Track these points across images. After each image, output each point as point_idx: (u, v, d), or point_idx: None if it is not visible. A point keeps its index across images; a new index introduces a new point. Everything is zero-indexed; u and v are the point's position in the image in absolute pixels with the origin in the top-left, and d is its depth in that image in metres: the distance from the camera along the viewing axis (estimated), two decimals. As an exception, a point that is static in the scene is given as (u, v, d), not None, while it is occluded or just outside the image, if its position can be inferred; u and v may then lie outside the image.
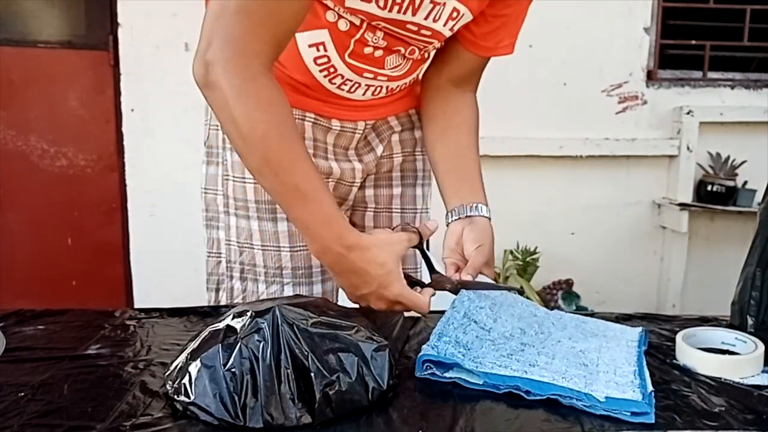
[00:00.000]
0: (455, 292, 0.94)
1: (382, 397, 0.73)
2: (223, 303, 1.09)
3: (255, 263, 1.06)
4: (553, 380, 0.75)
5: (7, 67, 2.70)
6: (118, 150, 2.80)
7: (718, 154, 2.92)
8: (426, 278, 0.97)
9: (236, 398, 0.67)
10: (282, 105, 0.83)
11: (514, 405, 0.73)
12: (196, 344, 0.73)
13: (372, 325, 0.80)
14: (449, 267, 1.02)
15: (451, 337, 0.82)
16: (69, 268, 2.86)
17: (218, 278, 1.10)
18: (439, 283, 0.95)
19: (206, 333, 0.74)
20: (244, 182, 1.04)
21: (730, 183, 2.89)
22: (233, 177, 1.05)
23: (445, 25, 0.96)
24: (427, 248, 0.99)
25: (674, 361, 0.85)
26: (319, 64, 0.97)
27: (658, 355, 0.87)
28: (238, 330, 0.71)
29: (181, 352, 0.74)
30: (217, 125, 1.07)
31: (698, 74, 3.02)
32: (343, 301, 0.96)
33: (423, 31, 0.96)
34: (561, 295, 2.87)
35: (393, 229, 0.95)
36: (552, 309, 1.00)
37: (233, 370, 0.68)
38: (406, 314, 0.99)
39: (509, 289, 0.98)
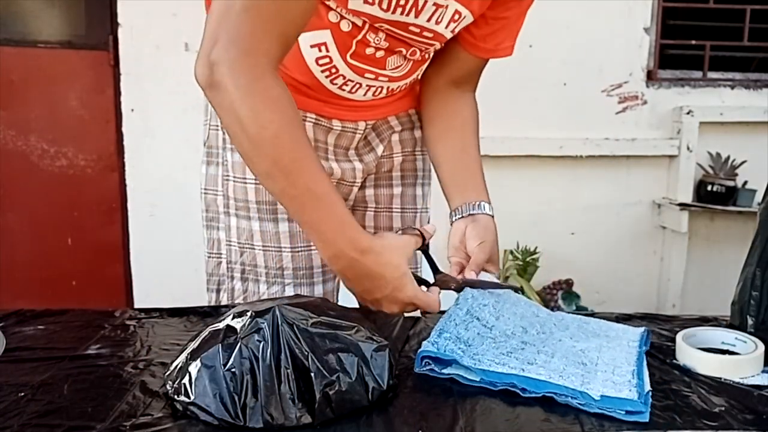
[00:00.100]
0: (459, 291, 0.94)
1: (382, 397, 0.73)
2: (223, 304, 1.09)
3: (256, 264, 1.06)
4: (550, 378, 0.75)
5: (7, 67, 2.70)
6: (118, 150, 2.80)
7: (718, 154, 2.92)
8: (428, 278, 0.97)
9: (236, 398, 0.67)
10: (290, 105, 0.81)
11: (514, 405, 0.73)
12: (196, 344, 0.73)
13: (372, 325, 0.80)
14: (454, 265, 1.03)
15: (452, 333, 0.83)
16: (69, 268, 2.86)
17: (219, 279, 1.10)
18: (443, 282, 0.95)
19: (206, 333, 0.74)
20: (245, 183, 1.04)
21: (730, 183, 2.89)
22: (234, 177, 1.05)
23: (446, 27, 0.96)
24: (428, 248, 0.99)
25: (674, 361, 0.85)
26: (321, 65, 0.97)
27: (658, 355, 0.87)
28: (238, 330, 0.71)
29: (181, 352, 0.74)
30: (217, 125, 1.07)
31: (698, 74, 3.02)
32: (344, 301, 0.96)
33: (425, 33, 0.96)
34: (561, 295, 2.87)
35: (396, 233, 0.95)
36: (552, 309, 1.00)
37: (233, 370, 0.68)
38: (406, 314, 0.99)
39: (512, 288, 0.98)
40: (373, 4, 0.88)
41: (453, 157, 1.11)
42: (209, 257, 1.11)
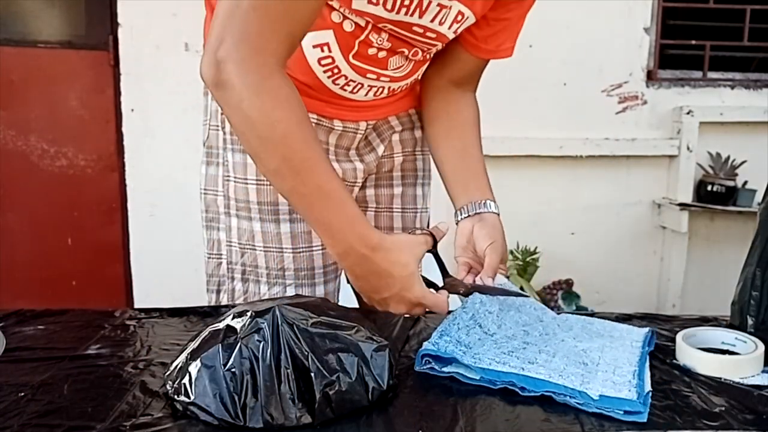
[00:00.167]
0: (467, 296, 0.93)
1: (382, 397, 0.73)
2: (223, 304, 1.09)
3: (257, 265, 1.06)
4: (550, 377, 0.75)
5: (7, 67, 2.70)
6: (118, 150, 2.80)
7: (718, 154, 2.92)
8: (437, 280, 0.97)
9: (236, 398, 0.67)
10: (299, 104, 0.81)
11: (515, 405, 0.73)
12: (196, 344, 0.73)
13: (372, 325, 0.80)
14: (461, 266, 1.02)
15: (453, 336, 0.83)
16: (69, 268, 2.86)
17: (219, 280, 1.10)
18: (452, 286, 0.94)
19: (206, 333, 0.74)
20: (246, 183, 1.04)
21: (730, 183, 2.89)
22: (234, 178, 1.05)
23: (450, 28, 0.96)
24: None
25: (674, 361, 0.85)
26: (323, 65, 0.97)
27: (658, 355, 0.87)
28: (238, 330, 0.71)
29: (181, 352, 0.74)
30: (217, 125, 1.07)
31: (698, 74, 3.02)
32: (344, 301, 0.96)
33: (428, 34, 0.96)
34: (561, 295, 2.87)
35: (408, 233, 0.95)
36: (552, 309, 1.00)
37: (233, 370, 0.68)
38: (412, 314, 0.99)
39: (520, 295, 0.97)
40: (377, 4, 0.88)
41: (456, 156, 1.11)
42: (209, 258, 1.11)
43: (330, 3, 0.89)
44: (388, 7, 0.89)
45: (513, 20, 1.04)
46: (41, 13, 2.74)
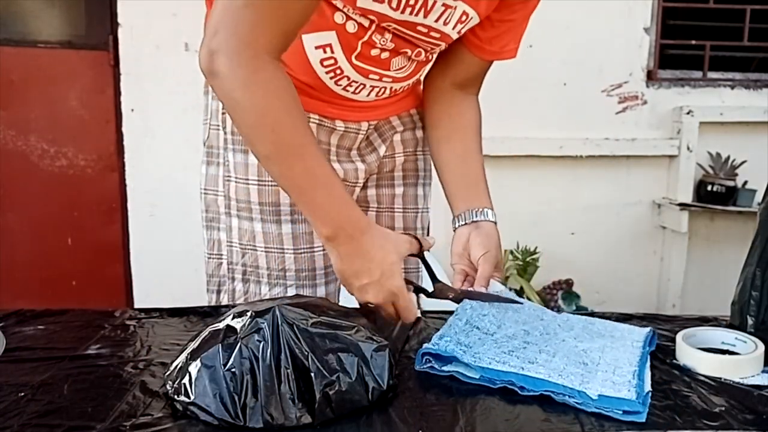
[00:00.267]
0: (458, 301, 0.94)
1: (382, 397, 0.73)
2: (224, 304, 1.09)
3: (258, 265, 1.06)
4: (549, 377, 0.76)
5: (7, 67, 2.70)
6: (118, 150, 2.80)
7: (718, 154, 2.92)
8: (427, 287, 0.97)
9: (236, 398, 0.67)
10: (290, 92, 0.83)
11: (514, 405, 0.73)
12: (196, 344, 0.73)
13: (372, 325, 0.80)
14: (458, 274, 1.03)
15: (453, 338, 0.83)
16: (69, 268, 2.86)
17: (219, 280, 1.10)
18: (441, 291, 0.95)
19: (206, 333, 0.74)
20: (247, 183, 1.04)
21: (730, 183, 2.89)
22: (235, 178, 1.05)
23: (454, 28, 0.97)
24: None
25: (674, 361, 0.85)
26: (326, 66, 0.97)
27: (658, 355, 0.87)
28: (238, 330, 0.71)
29: (181, 352, 0.74)
30: (218, 125, 1.07)
31: (698, 74, 3.02)
32: (344, 303, 0.96)
33: (432, 34, 0.96)
34: (561, 295, 2.87)
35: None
36: (552, 309, 1.00)
37: (233, 370, 0.68)
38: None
39: (512, 301, 0.97)
40: (382, 2, 0.88)
41: (456, 162, 1.11)
42: (209, 258, 1.11)
43: (333, 3, 0.89)
44: (393, 5, 0.89)
45: (517, 21, 1.04)
46: (41, 13, 2.74)
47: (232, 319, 0.73)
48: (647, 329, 0.93)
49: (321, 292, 1.07)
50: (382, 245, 0.87)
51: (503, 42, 1.06)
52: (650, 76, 2.95)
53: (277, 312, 0.72)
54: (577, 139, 2.89)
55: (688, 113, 2.90)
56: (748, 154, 2.88)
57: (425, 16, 0.92)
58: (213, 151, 1.09)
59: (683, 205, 2.87)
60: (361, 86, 1.01)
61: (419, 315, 0.99)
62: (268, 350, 0.69)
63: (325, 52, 0.95)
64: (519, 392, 0.75)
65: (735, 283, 0.98)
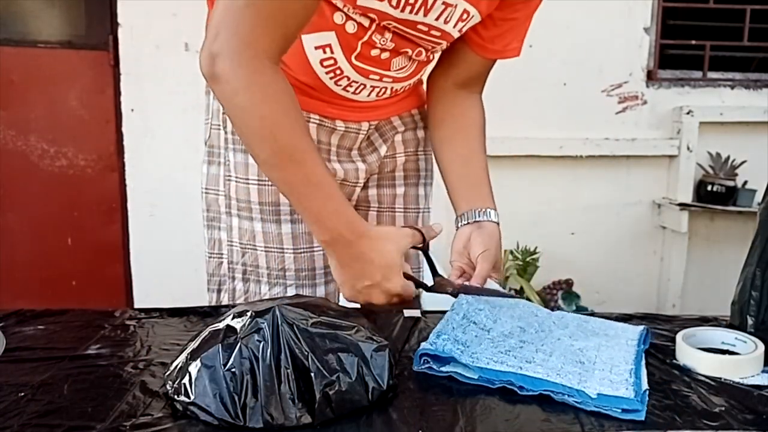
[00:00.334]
0: (456, 296, 0.94)
1: (382, 397, 0.73)
2: (224, 304, 1.09)
3: (258, 265, 1.06)
4: (548, 376, 0.76)
5: (7, 67, 2.70)
6: (118, 150, 2.80)
7: (718, 154, 2.92)
8: (427, 280, 0.97)
9: (236, 398, 0.67)
10: (291, 98, 0.83)
11: (514, 405, 0.73)
12: (196, 344, 0.73)
13: (372, 325, 0.80)
14: (455, 269, 1.04)
15: (450, 335, 0.83)
16: (69, 268, 2.86)
17: (220, 279, 1.10)
18: (441, 286, 0.96)
19: (206, 333, 0.74)
20: (248, 183, 1.04)
21: (730, 183, 2.89)
22: (236, 178, 1.05)
23: (455, 26, 0.97)
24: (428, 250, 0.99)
25: (674, 361, 0.85)
26: (326, 66, 0.97)
27: (658, 355, 0.87)
28: (238, 330, 0.71)
29: (181, 352, 0.74)
30: (219, 124, 1.07)
31: (698, 74, 3.02)
32: (344, 302, 0.96)
33: (433, 32, 0.96)
34: (561, 295, 2.87)
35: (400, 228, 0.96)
36: (552, 309, 1.00)
37: (233, 370, 0.68)
38: (406, 314, 0.99)
39: (510, 296, 0.98)
40: (382, 0, 0.88)
41: (460, 162, 1.11)
42: (210, 257, 1.11)
43: (333, 2, 0.89)
44: (393, 4, 0.89)
45: (520, 20, 1.04)
46: (41, 13, 2.74)
47: (232, 319, 0.73)
48: (641, 327, 0.93)
49: (321, 291, 1.07)
50: (381, 247, 0.88)
51: (506, 40, 1.06)
52: (650, 76, 2.95)
53: (277, 312, 0.72)
54: (577, 139, 2.89)
55: (688, 113, 2.90)
56: (748, 154, 2.88)
57: (425, 15, 0.92)
58: (214, 151, 1.09)
59: (683, 205, 2.87)
60: (362, 86, 1.01)
61: (419, 315, 0.99)
62: (268, 350, 0.69)
63: (324, 52, 0.95)
64: (518, 392, 0.75)
65: (735, 283, 0.98)
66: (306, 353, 0.69)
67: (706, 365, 0.82)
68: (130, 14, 2.69)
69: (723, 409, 0.72)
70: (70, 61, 2.75)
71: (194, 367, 0.70)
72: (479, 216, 1.06)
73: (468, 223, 1.07)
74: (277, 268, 1.05)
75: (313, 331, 0.72)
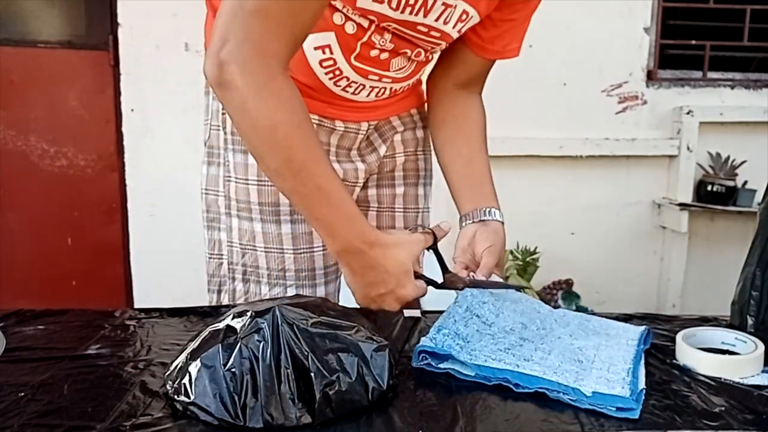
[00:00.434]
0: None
1: (382, 397, 0.73)
2: (224, 304, 1.09)
3: (258, 265, 1.06)
4: (544, 374, 0.76)
5: (7, 67, 2.70)
6: (118, 150, 2.80)
7: (718, 154, 2.92)
8: (437, 277, 0.97)
9: (236, 398, 0.67)
10: (301, 105, 0.82)
11: (515, 405, 0.73)
12: (196, 344, 0.73)
13: (372, 325, 0.80)
14: (458, 265, 1.04)
15: (451, 329, 0.84)
16: (69, 268, 2.86)
17: (220, 280, 1.10)
18: (452, 282, 0.96)
19: (206, 333, 0.74)
20: (247, 184, 1.04)
21: (730, 183, 2.89)
22: (235, 178, 1.05)
23: (454, 27, 0.97)
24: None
25: (674, 361, 0.85)
26: (325, 67, 0.97)
27: (658, 355, 0.87)
28: (238, 330, 0.71)
29: (181, 352, 0.74)
30: (218, 125, 1.07)
31: (698, 74, 3.02)
32: (344, 302, 0.96)
33: (432, 33, 0.96)
34: (561, 295, 2.87)
35: (410, 231, 0.96)
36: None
37: (233, 370, 0.68)
38: (406, 314, 0.99)
39: (519, 288, 0.99)
40: (382, 2, 0.88)
41: (462, 162, 1.12)
42: (210, 258, 1.11)
43: (333, 3, 0.89)
44: (393, 5, 0.89)
45: (519, 21, 1.04)
46: (41, 13, 2.74)
47: (232, 319, 0.73)
48: (642, 327, 0.93)
49: (320, 291, 1.07)
50: (393, 256, 0.87)
51: (505, 41, 1.06)
52: (650, 76, 2.95)
53: (277, 312, 0.72)
54: (577, 139, 2.89)
55: (688, 113, 2.90)
56: (748, 154, 2.88)
57: (425, 16, 0.92)
58: (214, 152, 1.09)
59: (683, 205, 2.87)
60: (361, 87, 1.01)
61: (419, 315, 1.00)
62: (268, 350, 0.69)
63: (324, 53, 0.95)
64: (514, 389, 0.75)
65: (735, 283, 0.98)
66: (306, 353, 0.69)
67: (706, 365, 0.82)
68: (130, 14, 2.69)
69: (723, 409, 0.72)
70: (70, 61, 2.75)
71: (194, 367, 0.70)
72: (484, 215, 1.07)
73: (473, 221, 1.07)
74: (277, 269, 1.05)
75: (313, 331, 0.72)
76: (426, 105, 1.18)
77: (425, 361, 0.81)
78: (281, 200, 1.03)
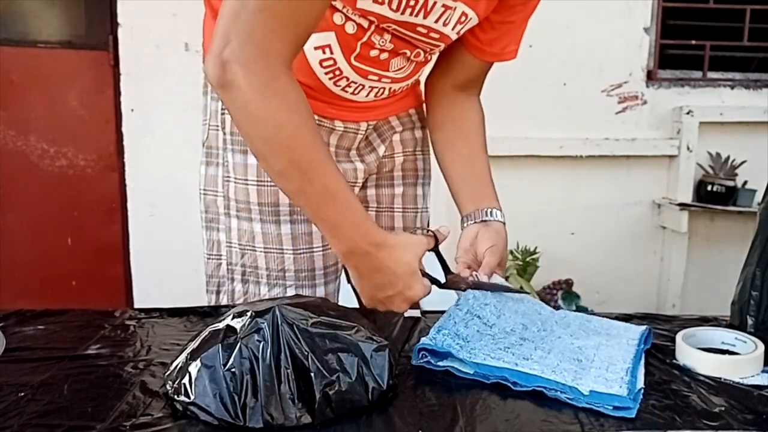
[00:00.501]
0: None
1: (382, 397, 0.73)
2: (223, 305, 1.09)
3: (257, 266, 1.06)
4: (542, 373, 0.76)
5: (7, 67, 2.70)
6: (118, 150, 2.80)
7: (718, 154, 2.92)
8: (438, 278, 0.97)
9: (236, 398, 0.67)
10: (305, 106, 0.81)
11: (514, 405, 0.73)
12: (196, 344, 0.73)
13: (372, 325, 0.80)
14: (460, 265, 1.04)
15: (451, 330, 0.84)
16: (69, 268, 2.86)
17: (219, 280, 1.10)
18: (454, 282, 0.96)
19: (206, 333, 0.74)
20: (246, 184, 1.04)
21: (730, 183, 2.89)
22: (235, 179, 1.05)
23: (453, 29, 0.97)
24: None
25: (674, 361, 0.85)
26: (325, 67, 0.97)
27: (658, 355, 0.87)
28: (238, 330, 0.71)
29: (181, 352, 0.74)
30: (217, 125, 1.07)
31: (698, 74, 3.02)
32: (344, 302, 0.96)
33: (432, 34, 0.96)
34: (561, 295, 2.87)
35: (412, 232, 0.96)
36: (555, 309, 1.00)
37: (233, 370, 0.68)
38: (406, 314, 0.99)
39: (522, 292, 0.98)
40: (382, 3, 0.88)
41: (462, 164, 1.12)
42: (209, 259, 1.11)
43: (333, 3, 0.89)
44: (393, 7, 0.89)
45: (517, 23, 1.05)
46: (41, 13, 2.74)
47: (232, 319, 0.73)
48: (643, 327, 0.93)
49: (320, 292, 1.07)
50: (399, 257, 0.86)
51: (503, 43, 1.06)
52: (650, 76, 2.95)
53: (277, 312, 0.72)
54: (577, 139, 2.89)
55: (688, 113, 2.90)
56: (748, 154, 2.88)
57: (425, 17, 0.92)
58: (212, 152, 1.09)
59: (683, 205, 2.87)
60: (360, 87, 1.01)
61: (419, 315, 1.00)
62: (268, 350, 0.69)
63: (324, 52, 0.95)
64: (512, 387, 0.75)
65: (735, 283, 0.98)
66: (306, 353, 0.69)
67: (706, 365, 0.82)
68: (130, 14, 2.69)
69: (723, 409, 0.72)
70: (70, 61, 2.75)
71: (194, 367, 0.70)
72: (486, 216, 1.07)
73: (475, 222, 1.07)
74: (276, 269, 1.05)
75: (313, 331, 0.72)
76: (424, 106, 1.18)
77: (425, 359, 0.81)
78: (281, 200, 1.03)
